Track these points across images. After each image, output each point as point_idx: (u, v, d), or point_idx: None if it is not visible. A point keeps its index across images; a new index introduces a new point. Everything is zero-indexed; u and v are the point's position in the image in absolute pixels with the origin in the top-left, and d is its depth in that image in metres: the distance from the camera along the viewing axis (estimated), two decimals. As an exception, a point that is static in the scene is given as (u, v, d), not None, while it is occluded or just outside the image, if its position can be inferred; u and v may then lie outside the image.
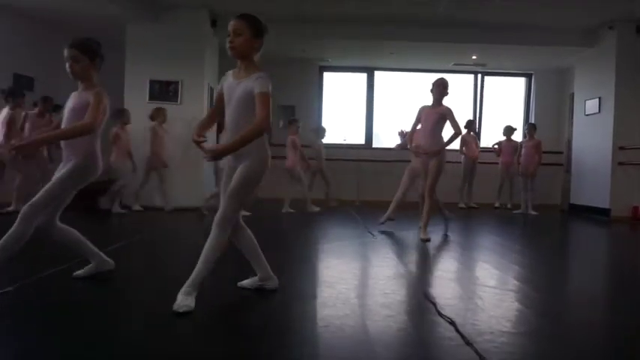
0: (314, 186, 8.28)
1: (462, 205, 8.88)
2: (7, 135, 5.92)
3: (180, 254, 4.26)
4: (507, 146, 8.77)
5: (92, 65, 2.75)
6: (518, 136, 9.25)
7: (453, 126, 4.81)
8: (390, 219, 5.69)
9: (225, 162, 2.63)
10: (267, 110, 2.37)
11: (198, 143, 2.49)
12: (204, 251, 2.44)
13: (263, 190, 7.65)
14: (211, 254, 2.43)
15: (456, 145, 9.00)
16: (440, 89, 4.92)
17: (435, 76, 5.07)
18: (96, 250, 2.97)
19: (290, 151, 7.48)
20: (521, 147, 8.42)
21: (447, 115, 4.81)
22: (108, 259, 3.01)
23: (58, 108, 6.31)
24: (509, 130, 8.84)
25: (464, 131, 8.96)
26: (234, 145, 2.40)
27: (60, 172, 2.69)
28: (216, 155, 2.44)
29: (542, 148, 8.26)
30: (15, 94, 6.12)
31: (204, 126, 2.66)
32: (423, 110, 5.02)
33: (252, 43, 2.46)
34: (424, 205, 5.03)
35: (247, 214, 6.99)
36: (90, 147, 2.71)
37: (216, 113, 2.71)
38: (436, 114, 4.86)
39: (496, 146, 9.03)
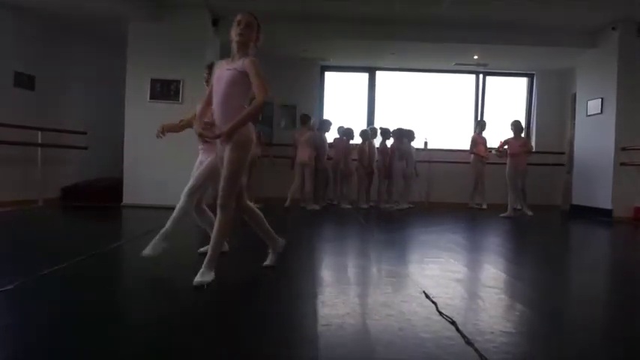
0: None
1: (473, 205, 8.88)
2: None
3: (178, 255, 4.24)
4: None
5: None
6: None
7: (255, 87, 2.79)
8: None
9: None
10: None
11: None
12: None
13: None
14: None
15: (465, 145, 8.96)
16: (243, 28, 2.86)
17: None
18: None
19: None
20: (504, 144, 8.35)
21: (248, 70, 2.80)
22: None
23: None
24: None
25: (474, 132, 8.97)
26: None
27: None
28: None
29: (531, 148, 8.23)
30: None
31: None
32: (217, 69, 3.02)
33: None
34: (216, 222, 2.93)
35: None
36: None
37: None
38: (231, 71, 2.85)
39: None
